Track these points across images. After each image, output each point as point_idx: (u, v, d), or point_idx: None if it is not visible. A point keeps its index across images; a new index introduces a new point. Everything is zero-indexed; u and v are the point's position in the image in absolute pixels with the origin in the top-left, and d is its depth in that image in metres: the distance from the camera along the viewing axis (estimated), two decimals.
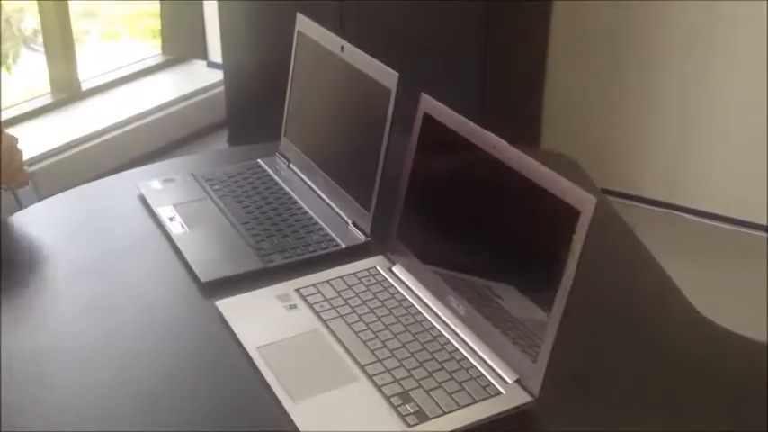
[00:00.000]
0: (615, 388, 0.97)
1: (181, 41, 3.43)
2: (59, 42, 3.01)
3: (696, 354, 1.04)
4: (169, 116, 3.13)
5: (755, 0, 2.58)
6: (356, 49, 1.24)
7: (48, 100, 3.02)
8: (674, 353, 1.04)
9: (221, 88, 3.10)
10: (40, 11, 2.98)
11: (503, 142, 0.97)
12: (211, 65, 3.42)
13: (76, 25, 3.16)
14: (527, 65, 2.88)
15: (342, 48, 1.26)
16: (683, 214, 2.93)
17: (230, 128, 3.07)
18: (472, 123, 1.02)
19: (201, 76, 3.38)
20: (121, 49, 3.74)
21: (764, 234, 2.81)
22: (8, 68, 3.37)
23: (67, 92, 3.06)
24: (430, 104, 1.09)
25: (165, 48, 3.47)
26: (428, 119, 1.10)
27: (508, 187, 0.97)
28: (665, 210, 2.96)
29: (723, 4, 2.65)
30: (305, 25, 1.35)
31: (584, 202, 0.85)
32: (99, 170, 1.30)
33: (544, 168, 0.91)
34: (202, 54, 3.45)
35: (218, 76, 3.15)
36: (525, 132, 2.94)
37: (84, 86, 3.13)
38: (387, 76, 1.16)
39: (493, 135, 0.99)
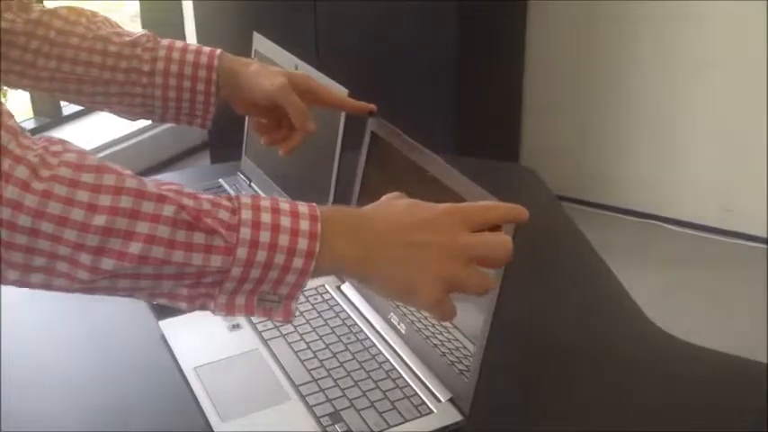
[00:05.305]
0: (552, 407, 0.95)
1: None
2: None
3: (645, 367, 1.01)
4: (149, 139, 3.15)
5: (733, 3, 2.58)
6: (309, 67, 1.24)
7: (32, 125, 3.06)
8: (619, 368, 1.02)
9: None
10: None
11: (435, 157, 0.96)
12: None
13: None
14: (505, 78, 2.89)
15: (296, 66, 1.26)
16: (663, 224, 2.95)
17: (212, 149, 3.07)
18: (412, 140, 1.01)
19: None
20: None
21: (745, 242, 2.81)
22: (4, 95, 3.41)
23: (49, 116, 3.10)
24: (377, 123, 1.09)
25: None
26: (375, 137, 1.09)
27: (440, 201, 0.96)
28: (646, 220, 2.97)
29: (699, 9, 2.65)
30: (261, 44, 1.35)
31: None
32: None
33: (463, 177, 0.90)
34: None
35: None
36: (504, 147, 2.94)
37: (67, 111, 3.16)
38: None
39: (428, 150, 0.98)
